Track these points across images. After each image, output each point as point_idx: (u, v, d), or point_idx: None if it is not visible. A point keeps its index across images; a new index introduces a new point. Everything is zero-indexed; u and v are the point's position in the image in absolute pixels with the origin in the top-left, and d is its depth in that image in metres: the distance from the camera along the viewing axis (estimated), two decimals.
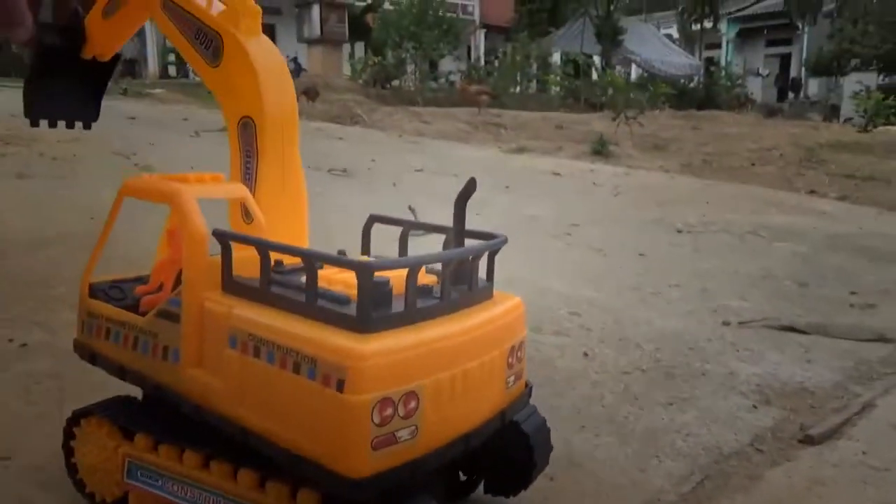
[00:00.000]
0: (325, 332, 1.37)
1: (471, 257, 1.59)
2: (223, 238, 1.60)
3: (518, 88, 23.73)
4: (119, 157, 7.78)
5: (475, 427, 1.56)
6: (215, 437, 1.55)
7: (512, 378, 1.69)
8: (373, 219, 1.93)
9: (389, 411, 1.31)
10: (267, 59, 1.91)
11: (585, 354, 3.41)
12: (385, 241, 2.09)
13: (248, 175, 1.94)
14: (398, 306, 1.41)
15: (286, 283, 1.54)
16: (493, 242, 1.64)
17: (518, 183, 8.27)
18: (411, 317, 1.42)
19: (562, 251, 5.52)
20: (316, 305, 1.41)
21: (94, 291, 1.86)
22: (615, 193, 8.27)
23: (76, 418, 1.83)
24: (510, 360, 1.68)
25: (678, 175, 10.63)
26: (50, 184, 6.21)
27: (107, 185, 5.98)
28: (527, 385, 1.82)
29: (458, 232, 1.60)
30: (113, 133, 7.80)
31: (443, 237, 1.79)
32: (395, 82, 22.58)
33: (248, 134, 1.93)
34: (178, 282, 1.71)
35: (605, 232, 6.18)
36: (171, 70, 24.39)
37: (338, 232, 4.74)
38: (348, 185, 7.39)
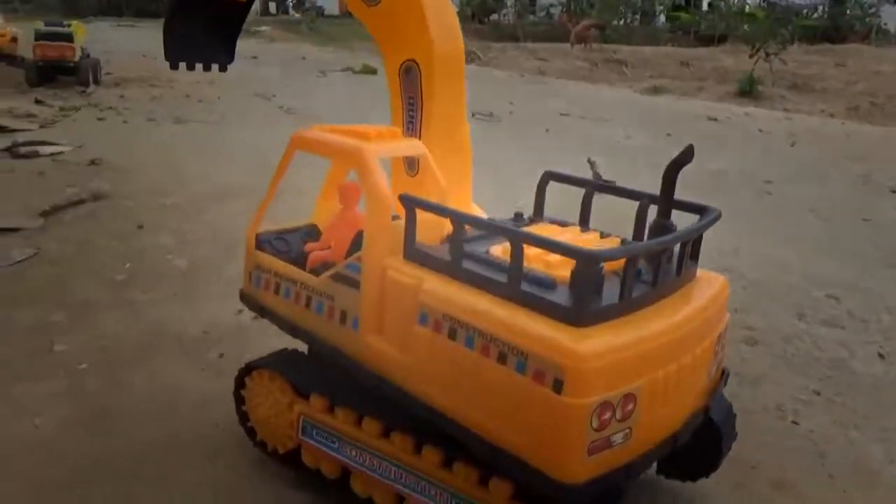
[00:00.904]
0: (536, 322, 1.28)
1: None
2: (410, 204, 1.48)
3: (622, 21, 22.22)
4: (260, 98, 7.49)
5: (683, 424, 1.46)
6: (394, 407, 1.49)
7: (714, 368, 1.56)
8: (548, 176, 1.81)
9: (608, 415, 1.23)
10: None
11: (881, 356, 2.82)
12: (558, 197, 1.89)
13: (412, 125, 1.82)
14: (611, 294, 1.29)
15: (476, 256, 1.43)
16: (709, 219, 1.48)
17: (677, 130, 7.49)
18: (627, 307, 1.30)
19: (771, 214, 4.84)
20: (520, 289, 1.30)
21: (261, 243, 1.80)
22: (791, 143, 7.37)
23: (248, 370, 1.81)
24: (716, 348, 1.55)
25: (848, 121, 9.51)
26: (209, 129, 6.01)
27: (264, 131, 5.94)
28: (723, 372, 1.66)
29: (665, 204, 1.44)
30: (243, 73, 7.76)
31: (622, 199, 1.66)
32: (494, 16, 21.44)
33: (411, 80, 1.80)
34: (354, 245, 1.62)
35: (808, 191, 5.45)
36: (272, 7, 24.11)
37: (506, 185, 4.49)
38: (498, 130, 6.92)
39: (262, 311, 1.81)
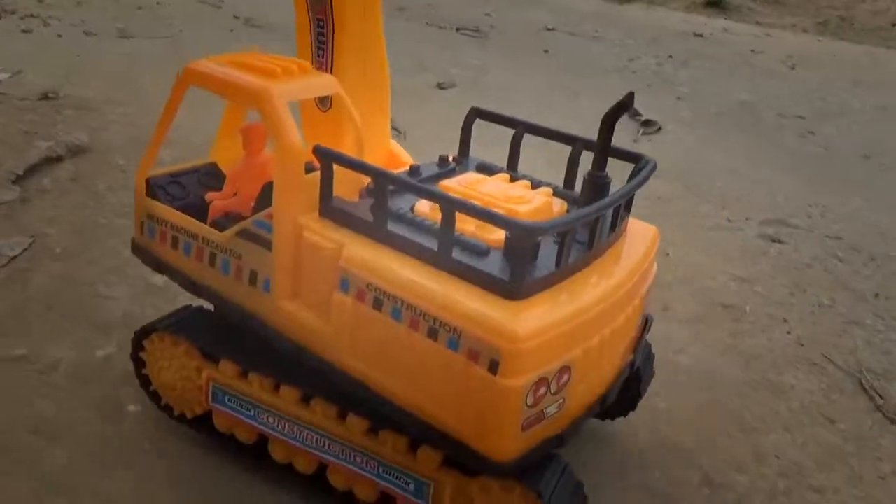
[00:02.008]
0: (469, 297, 1.18)
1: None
2: (327, 158, 1.35)
3: None
4: (207, 6, 6.43)
5: (612, 383, 1.45)
6: (314, 374, 1.41)
7: (641, 319, 1.55)
8: (475, 113, 1.69)
9: (543, 391, 1.18)
10: None
11: None
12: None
13: (322, 50, 1.63)
14: (547, 260, 1.22)
15: (402, 216, 1.33)
16: (646, 174, 1.41)
17: (673, 50, 7.11)
18: (563, 274, 1.24)
19: (825, 161, 4.53)
20: (452, 258, 1.21)
21: (153, 188, 1.63)
22: (791, 66, 7.09)
23: (147, 332, 1.68)
24: (645, 301, 1.52)
25: (822, 37, 9.34)
26: (167, 48, 5.09)
27: (232, 51, 5.02)
28: (646, 321, 1.63)
29: (602, 156, 1.35)
30: None
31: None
32: None
33: None
34: (262, 197, 1.46)
35: (847, 130, 5.14)
36: None
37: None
38: (491, 51, 6.37)
39: (158, 265, 1.65)
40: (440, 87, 4.94)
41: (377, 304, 1.28)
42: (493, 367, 1.15)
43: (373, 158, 1.59)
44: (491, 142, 2.00)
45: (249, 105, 1.44)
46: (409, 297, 1.23)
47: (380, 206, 1.30)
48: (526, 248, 1.16)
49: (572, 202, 1.50)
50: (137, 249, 1.70)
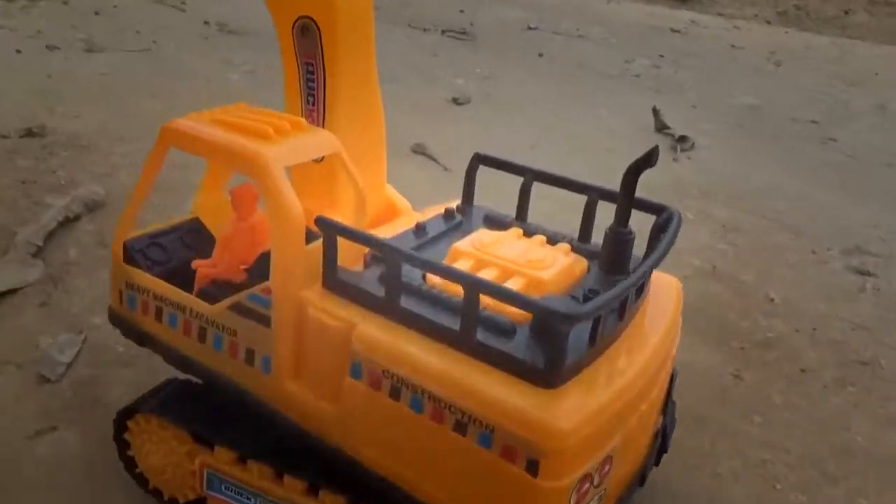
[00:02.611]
0: (501, 386, 1.07)
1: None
2: (331, 230, 1.24)
3: None
4: (170, 10, 5.96)
5: (647, 456, 1.39)
6: (322, 462, 1.30)
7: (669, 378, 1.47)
8: (478, 160, 1.61)
9: (586, 487, 1.09)
10: None
11: None
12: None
13: (312, 96, 1.55)
14: (579, 339, 1.11)
15: (415, 289, 1.22)
16: (675, 227, 1.31)
17: (653, 47, 7.02)
18: (596, 352, 1.15)
19: (856, 172, 4.44)
20: (476, 340, 1.11)
21: (131, 253, 1.52)
22: (775, 62, 7.06)
23: (129, 412, 1.55)
24: (673, 361, 1.44)
25: (788, 28, 9.42)
26: (137, 62, 4.56)
27: (216, 64, 4.63)
28: (672, 376, 1.54)
29: (625, 211, 1.28)
30: None
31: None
32: None
33: (309, 41, 1.52)
34: (258, 265, 1.37)
35: (863, 135, 5.09)
36: None
37: (551, 135, 4.11)
38: (483, 55, 6.13)
39: (140, 338, 1.53)
40: (456, 102, 4.66)
41: (394, 394, 1.16)
42: (533, 468, 1.04)
43: (370, 210, 1.51)
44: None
45: (242, 170, 1.30)
46: (432, 387, 1.12)
47: (392, 283, 1.19)
48: (563, 335, 1.05)
49: (591, 257, 1.40)
50: (116, 320, 1.57)
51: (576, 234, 1.51)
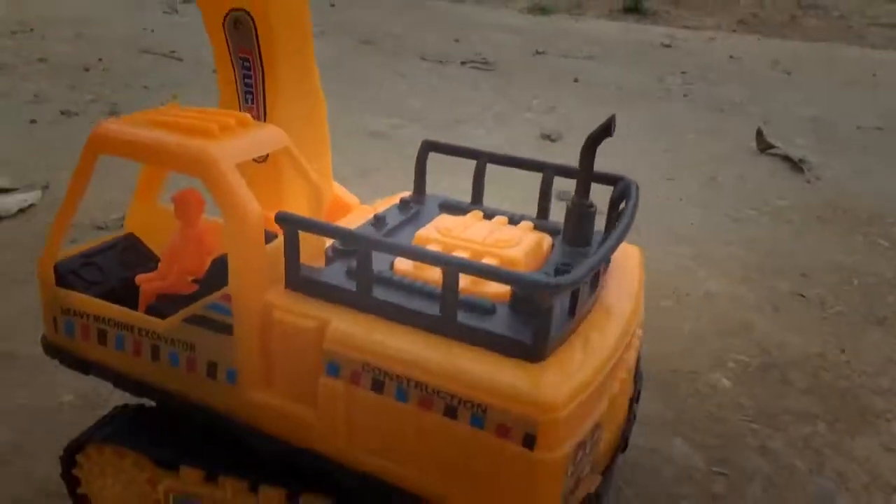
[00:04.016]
0: (487, 364, 1.09)
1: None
2: (292, 225, 1.21)
3: None
4: (162, 58, 6.34)
5: (627, 421, 1.45)
6: (297, 468, 1.28)
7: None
8: (428, 146, 1.63)
9: (580, 455, 1.13)
10: None
11: None
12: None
13: (250, 94, 1.53)
14: (558, 315, 1.15)
15: (384, 278, 1.23)
16: (634, 195, 1.36)
17: (667, 65, 7.02)
18: (576, 323, 1.20)
19: None
20: (457, 323, 1.13)
21: (63, 275, 1.44)
22: (784, 71, 7.10)
23: (78, 446, 1.49)
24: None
25: (762, 38, 9.62)
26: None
27: None
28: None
29: (585, 182, 1.33)
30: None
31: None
32: None
33: (243, 34, 1.48)
34: (210, 276, 1.31)
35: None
36: None
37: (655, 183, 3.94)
38: (517, 86, 5.98)
39: (83, 366, 1.47)
40: (549, 139, 4.30)
41: (377, 387, 1.14)
42: (529, 442, 1.06)
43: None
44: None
45: (188, 172, 1.24)
46: (417, 374, 1.11)
47: (364, 273, 1.18)
48: (549, 307, 1.07)
49: (555, 234, 1.44)
50: (52, 350, 1.50)
51: (533, 214, 1.54)
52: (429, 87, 5.70)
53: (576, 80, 6.15)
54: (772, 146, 4.45)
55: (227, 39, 1.50)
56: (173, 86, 5.07)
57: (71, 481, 1.54)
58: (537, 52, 7.27)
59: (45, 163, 3.54)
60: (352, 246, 1.24)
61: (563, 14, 10.65)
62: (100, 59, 5.62)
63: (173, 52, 6.10)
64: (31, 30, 6.70)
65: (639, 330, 1.44)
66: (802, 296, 2.75)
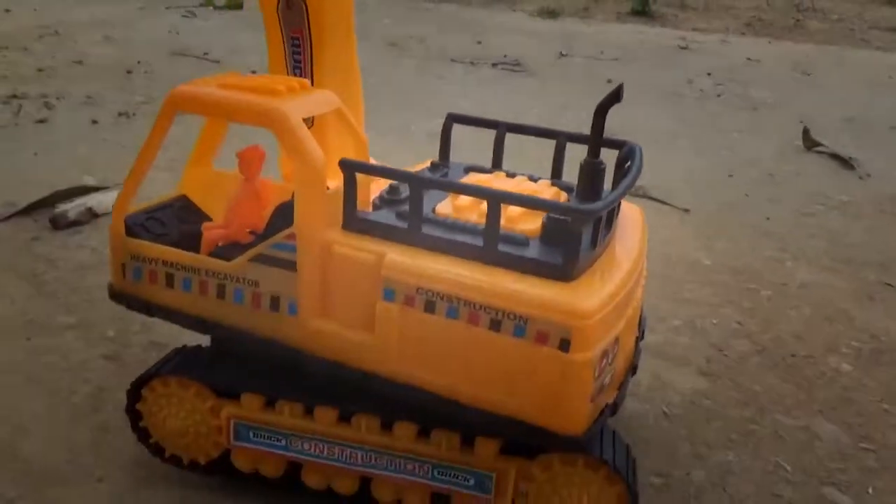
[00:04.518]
0: (528, 284, 1.28)
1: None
2: (351, 169, 1.39)
3: None
4: (193, 60, 5.90)
5: (636, 344, 1.64)
6: (351, 391, 1.45)
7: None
8: (452, 119, 1.82)
9: (604, 362, 1.30)
10: None
11: None
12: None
13: (299, 68, 1.71)
14: (584, 244, 1.33)
15: (429, 219, 1.40)
16: (640, 156, 1.54)
17: (692, 67, 7.15)
18: (597, 253, 1.38)
19: None
20: (498, 251, 1.31)
21: (132, 227, 1.60)
22: (804, 72, 7.27)
23: (145, 380, 1.64)
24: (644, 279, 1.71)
25: (773, 41, 9.76)
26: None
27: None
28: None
29: (596, 144, 1.48)
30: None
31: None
32: None
33: (295, 15, 1.64)
34: (274, 220, 1.48)
35: None
36: None
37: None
38: (554, 88, 6.05)
39: (148, 308, 1.62)
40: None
41: (429, 307, 1.30)
42: (565, 345, 1.23)
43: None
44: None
45: (262, 125, 1.41)
46: (466, 294, 1.28)
47: (415, 210, 1.34)
48: (579, 232, 1.26)
49: (568, 190, 1.60)
50: (119, 296, 1.65)
51: (547, 176, 1.75)
52: (471, 89, 5.84)
53: (609, 81, 6.24)
54: (818, 144, 4.57)
55: (280, 20, 1.65)
56: None
57: (134, 415, 1.68)
58: (561, 55, 7.39)
59: (123, 161, 3.56)
60: (407, 183, 1.40)
61: (571, 17, 10.78)
62: (138, 62, 5.75)
63: (206, 53, 6.19)
64: (56, 32, 6.72)
65: (645, 271, 1.62)
66: (890, 285, 2.89)
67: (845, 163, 4.35)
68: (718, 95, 6.05)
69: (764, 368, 2.27)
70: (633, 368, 1.62)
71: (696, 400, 2.09)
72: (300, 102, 1.43)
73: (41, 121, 4.15)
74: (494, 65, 6.59)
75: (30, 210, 2.93)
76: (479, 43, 7.77)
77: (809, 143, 4.60)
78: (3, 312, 2.33)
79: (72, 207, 2.92)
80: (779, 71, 7.38)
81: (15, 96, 4.55)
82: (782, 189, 3.95)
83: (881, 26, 11.03)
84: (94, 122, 4.21)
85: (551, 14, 10.83)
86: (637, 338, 1.68)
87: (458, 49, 7.39)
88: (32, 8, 7.84)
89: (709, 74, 6.85)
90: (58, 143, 3.84)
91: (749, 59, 7.94)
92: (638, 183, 3.68)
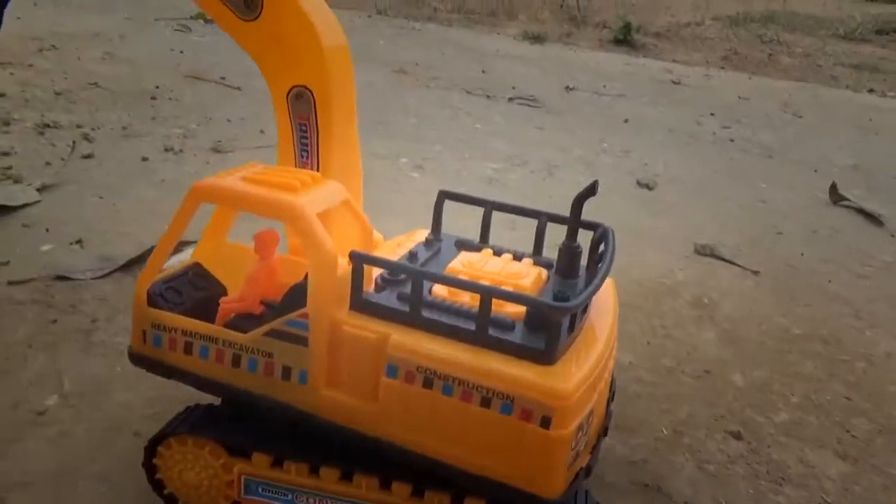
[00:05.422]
0: (515, 367, 1.48)
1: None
2: (360, 261, 1.61)
3: None
4: (215, 86, 5.52)
5: (605, 416, 1.81)
6: (354, 452, 1.65)
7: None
8: (444, 195, 1.97)
9: (580, 434, 1.50)
10: (317, 6, 1.77)
11: None
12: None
13: (306, 151, 1.89)
14: (563, 330, 1.54)
15: (428, 302, 1.61)
16: (611, 237, 1.74)
17: (695, 107, 7.38)
18: (574, 338, 1.59)
19: None
20: (489, 335, 1.52)
21: (152, 297, 1.79)
22: (794, 114, 7.60)
23: (161, 438, 1.82)
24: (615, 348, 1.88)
25: (754, 77, 10.18)
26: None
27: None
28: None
29: (574, 228, 1.75)
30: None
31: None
32: None
33: (302, 105, 1.83)
34: (290, 297, 1.68)
35: None
36: None
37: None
38: (573, 126, 6.24)
39: (168, 372, 1.79)
40: (648, 188, 4.53)
41: (427, 384, 1.51)
42: (546, 423, 1.42)
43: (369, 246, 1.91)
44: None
45: (279, 218, 1.61)
46: (460, 374, 1.48)
47: (417, 297, 1.56)
48: (560, 323, 1.45)
49: (549, 268, 1.82)
50: (138, 359, 1.82)
51: (529, 251, 1.92)
52: (500, 127, 5.92)
53: (626, 121, 6.45)
54: (844, 198, 4.82)
55: (288, 107, 1.84)
56: (251, 118, 5.22)
57: (150, 469, 1.87)
58: (568, 88, 7.58)
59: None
60: (407, 276, 1.65)
61: (556, 43, 10.98)
62: (157, 87, 5.58)
63: (223, 78, 6.05)
64: (54, 47, 6.49)
65: (615, 344, 1.81)
66: None
67: (874, 219, 4.56)
68: (731, 140, 6.24)
69: (889, 451, 2.33)
70: (604, 430, 1.80)
71: (848, 486, 2.16)
72: (314, 197, 1.64)
73: (87, 156, 4.01)
74: (511, 99, 6.80)
75: (129, 266, 2.88)
76: (484, 72, 7.88)
77: (836, 198, 4.82)
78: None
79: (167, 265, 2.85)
80: (770, 111, 7.59)
81: (48, 125, 4.39)
82: (829, 248, 4.05)
83: (844, 63, 11.69)
84: (145, 158, 4.11)
85: (537, 39, 11.01)
86: (608, 400, 1.85)
87: (467, 79, 7.54)
88: (16, 16, 7.54)
89: (712, 114, 7.07)
90: (115, 185, 3.72)
91: (740, 97, 8.25)
92: (702, 241, 3.81)
